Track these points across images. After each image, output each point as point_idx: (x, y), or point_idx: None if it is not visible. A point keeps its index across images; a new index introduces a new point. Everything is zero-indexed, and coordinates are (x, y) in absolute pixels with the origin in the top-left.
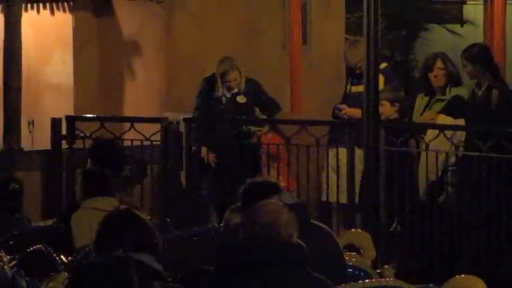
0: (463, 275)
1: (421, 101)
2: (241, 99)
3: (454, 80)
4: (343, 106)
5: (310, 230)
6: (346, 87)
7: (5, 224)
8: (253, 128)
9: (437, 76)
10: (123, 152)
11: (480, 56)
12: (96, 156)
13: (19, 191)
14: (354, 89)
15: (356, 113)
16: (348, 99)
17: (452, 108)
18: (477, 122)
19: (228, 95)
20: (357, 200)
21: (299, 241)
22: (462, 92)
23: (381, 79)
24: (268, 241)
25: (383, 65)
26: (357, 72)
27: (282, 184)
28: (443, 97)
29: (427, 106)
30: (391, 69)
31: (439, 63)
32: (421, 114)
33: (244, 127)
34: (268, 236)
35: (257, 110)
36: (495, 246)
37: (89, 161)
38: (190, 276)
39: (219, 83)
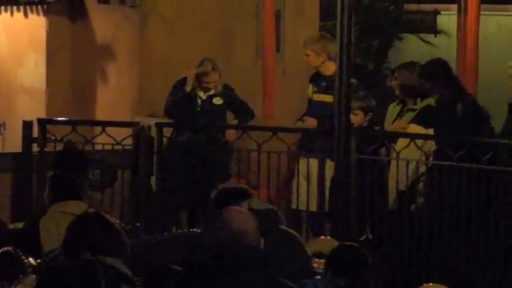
0: (431, 284)
1: (393, 109)
2: (217, 100)
3: (408, 92)
4: (305, 118)
5: (279, 236)
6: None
7: None
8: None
9: (395, 85)
10: (88, 157)
11: (436, 72)
12: (60, 163)
13: None
14: (315, 97)
15: (313, 123)
16: (311, 106)
17: (423, 117)
18: (446, 132)
19: (204, 97)
20: (326, 207)
21: (266, 247)
22: (433, 101)
23: None
24: (236, 247)
25: None
26: (319, 78)
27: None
28: (414, 107)
29: (399, 115)
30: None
31: (396, 74)
32: (393, 123)
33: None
34: (235, 242)
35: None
36: (464, 254)
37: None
38: (156, 274)
39: (196, 83)
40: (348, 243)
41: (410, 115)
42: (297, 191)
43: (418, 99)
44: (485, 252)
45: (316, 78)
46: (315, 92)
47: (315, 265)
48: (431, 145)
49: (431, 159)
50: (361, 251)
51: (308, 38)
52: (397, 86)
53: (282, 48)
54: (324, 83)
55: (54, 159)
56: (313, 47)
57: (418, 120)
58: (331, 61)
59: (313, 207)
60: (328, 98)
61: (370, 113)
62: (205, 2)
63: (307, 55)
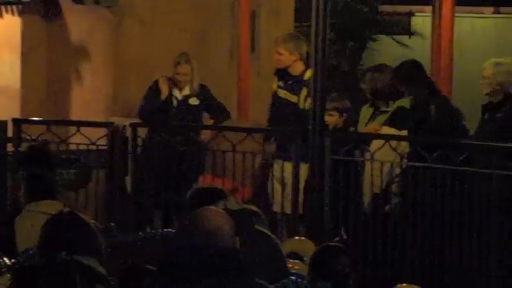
0: (404, 284)
1: (365, 112)
2: (193, 101)
3: (379, 94)
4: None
5: (254, 236)
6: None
7: None
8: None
9: (365, 89)
10: (57, 154)
11: (410, 73)
12: (29, 162)
13: None
14: (281, 93)
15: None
16: (275, 101)
17: (396, 119)
18: (420, 134)
19: (180, 97)
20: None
21: (242, 247)
22: (406, 103)
23: (305, 92)
24: (212, 247)
25: (309, 74)
26: (286, 76)
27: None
28: (386, 109)
29: (371, 118)
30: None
31: (366, 77)
32: (366, 125)
33: (191, 134)
34: (210, 243)
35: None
36: (438, 256)
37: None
38: (129, 274)
39: (172, 84)
40: (332, 244)
41: (382, 117)
42: (272, 193)
43: (391, 101)
44: (460, 253)
45: (284, 75)
46: (280, 87)
47: (290, 265)
48: (404, 147)
49: (405, 160)
50: (346, 252)
51: (280, 36)
52: (368, 89)
53: (257, 49)
54: (290, 82)
55: (22, 158)
56: (286, 46)
57: (391, 122)
58: (301, 61)
59: (288, 209)
60: (293, 98)
61: (345, 114)
62: (181, 3)
63: (280, 53)
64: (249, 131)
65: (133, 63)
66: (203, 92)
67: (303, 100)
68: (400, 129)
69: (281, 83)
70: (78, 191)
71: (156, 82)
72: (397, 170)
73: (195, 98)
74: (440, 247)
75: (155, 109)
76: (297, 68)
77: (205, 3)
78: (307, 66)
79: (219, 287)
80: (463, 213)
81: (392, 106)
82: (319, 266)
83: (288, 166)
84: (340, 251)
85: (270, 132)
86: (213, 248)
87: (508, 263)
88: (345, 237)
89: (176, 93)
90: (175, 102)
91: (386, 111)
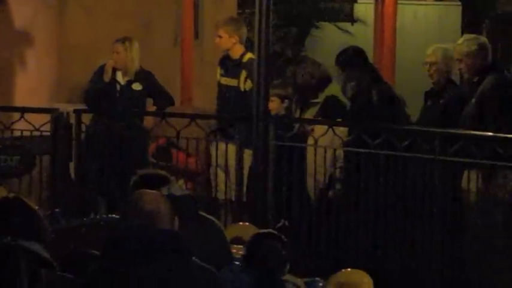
0: (349, 269)
1: (295, 106)
2: (136, 86)
3: (305, 90)
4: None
5: (198, 221)
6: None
7: None
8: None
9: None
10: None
11: (352, 60)
12: None
13: None
14: (223, 80)
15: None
16: (220, 89)
17: (328, 109)
18: (361, 120)
19: (123, 82)
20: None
21: (185, 232)
22: (334, 90)
23: (244, 74)
24: (150, 231)
25: (248, 56)
26: (227, 61)
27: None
28: (315, 100)
29: (302, 112)
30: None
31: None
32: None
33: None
34: (149, 226)
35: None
36: (380, 241)
37: None
38: (72, 258)
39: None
40: (266, 231)
41: (313, 110)
42: (215, 180)
43: (319, 93)
44: (403, 238)
45: (225, 61)
46: (222, 75)
47: (234, 251)
48: (342, 133)
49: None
50: (280, 239)
51: (221, 19)
52: (293, 84)
53: (200, 35)
54: (231, 67)
55: None
56: (226, 28)
57: (322, 113)
58: (241, 44)
59: (232, 196)
60: (233, 82)
61: (286, 101)
62: None
63: (220, 36)
64: (193, 117)
65: (77, 49)
66: (147, 78)
67: (243, 82)
68: (334, 119)
69: (223, 71)
70: (22, 178)
71: (101, 67)
72: (341, 156)
73: (138, 83)
74: (384, 233)
75: (99, 93)
76: (237, 52)
77: None
78: (246, 49)
79: (161, 270)
80: (406, 198)
81: (321, 97)
82: (249, 254)
83: (231, 151)
84: (271, 239)
85: (213, 119)
86: (152, 231)
87: (451, 247)
88: (286, 223)
89: (119, 77)
90: (118, 87)
91: (315, 103)
